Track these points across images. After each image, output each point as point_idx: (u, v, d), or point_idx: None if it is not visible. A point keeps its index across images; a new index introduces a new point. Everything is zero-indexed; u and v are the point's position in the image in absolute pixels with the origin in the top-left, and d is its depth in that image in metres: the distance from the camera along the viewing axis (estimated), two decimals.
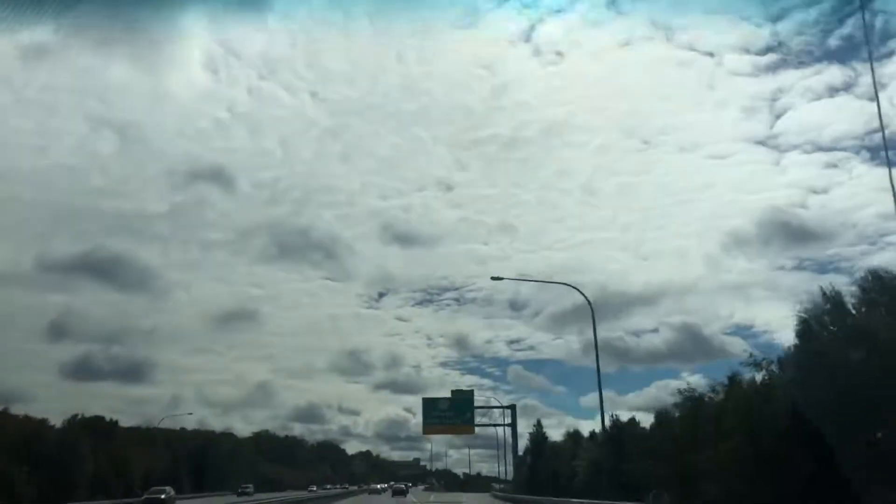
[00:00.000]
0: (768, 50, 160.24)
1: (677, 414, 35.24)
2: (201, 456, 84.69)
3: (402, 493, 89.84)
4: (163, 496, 50.03)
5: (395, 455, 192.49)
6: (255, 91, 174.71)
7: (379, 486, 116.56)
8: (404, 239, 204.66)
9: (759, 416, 25.34)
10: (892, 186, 17.98)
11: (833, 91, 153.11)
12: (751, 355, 28.50)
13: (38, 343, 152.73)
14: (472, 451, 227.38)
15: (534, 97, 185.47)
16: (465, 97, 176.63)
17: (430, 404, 66.49)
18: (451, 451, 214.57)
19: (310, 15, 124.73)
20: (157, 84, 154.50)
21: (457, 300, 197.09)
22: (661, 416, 39.97)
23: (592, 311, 36.05)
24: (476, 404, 67.72)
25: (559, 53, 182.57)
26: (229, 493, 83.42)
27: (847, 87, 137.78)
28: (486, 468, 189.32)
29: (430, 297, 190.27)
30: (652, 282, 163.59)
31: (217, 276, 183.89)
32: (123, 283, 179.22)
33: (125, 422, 75.97)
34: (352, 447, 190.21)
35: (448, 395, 67.82)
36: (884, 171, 33.13)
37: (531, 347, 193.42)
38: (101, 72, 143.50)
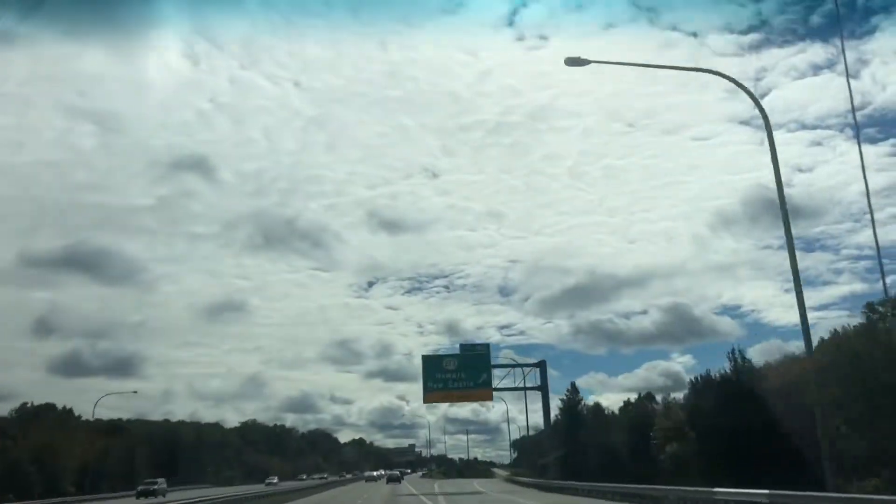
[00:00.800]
0: (751, 29, 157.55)
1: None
2: (179, 447, 79.60)
3: (397, 480, 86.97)
4: (154, 487, 52.68)
5: (390, 443, 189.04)
6: (237, 81, 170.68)
7: (375, 474, 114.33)
8: (392, 227, 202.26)
9: None
10: (863, 165, 18.74)
11: (816, 69, 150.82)
12: None
13: (25, 340, 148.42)
14: (465, 437, 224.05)
15: (519, 82, 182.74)
16: (450, 83, 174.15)
17: (432, 364, 52.48)
18: (444, 438, 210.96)
19: (290, 2, 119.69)
20: (136, 73, 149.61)
21: (446, 287, 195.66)
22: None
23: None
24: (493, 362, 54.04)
25: (543, 37, 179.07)
26: (209, 485, 78.02)
27: (830, 65, 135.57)
28: (481, 453, 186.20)
29: (419, 284, 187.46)
30: (640, 264, 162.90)
31: (204, 268, 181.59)
32: (110, 277, 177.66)
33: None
34: (345, 436, 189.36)
35: (456, 351, 54.43)
36: (868, 148, 28.05)
37: (521, 332, 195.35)
38: (75, 61, 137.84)
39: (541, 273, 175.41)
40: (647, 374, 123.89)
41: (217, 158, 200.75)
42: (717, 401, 33.31)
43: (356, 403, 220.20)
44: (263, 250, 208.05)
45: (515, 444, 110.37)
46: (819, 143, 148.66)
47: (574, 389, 60.20)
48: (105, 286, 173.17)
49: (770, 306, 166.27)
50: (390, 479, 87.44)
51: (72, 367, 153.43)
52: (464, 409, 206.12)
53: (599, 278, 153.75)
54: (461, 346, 55.13)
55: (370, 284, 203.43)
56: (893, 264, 54.93)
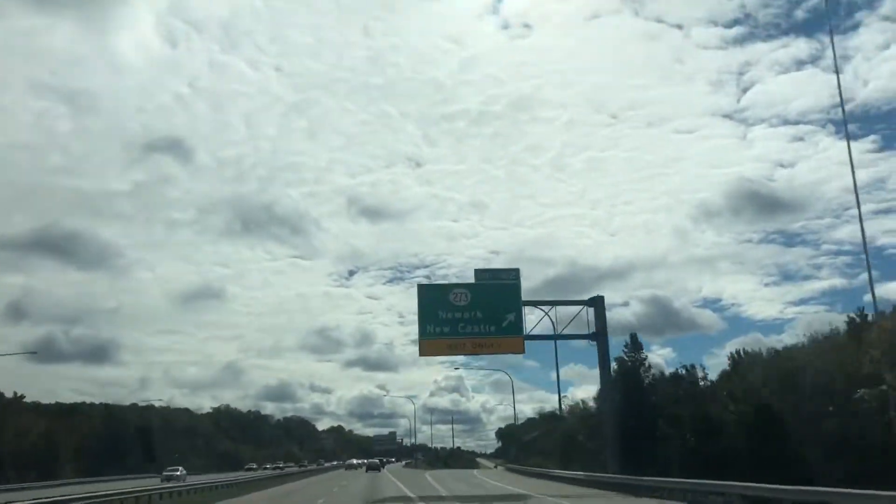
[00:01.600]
0: (736, 22, 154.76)
1: None
2: (141, 432, 74.41)
3: (377, 468, 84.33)
4: (177, 473, 55.37)
5: (370, 432, 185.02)
6: (216, 65, 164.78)
7: (355, 462, 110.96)
8: (373, 216, 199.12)
9: None
10: (851, 162, 20.13)
11: (800, 64, 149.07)
12: None
13: None
14: (444, 427, 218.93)
15: (502, 71, 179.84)
16: (433, 71, 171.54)
17: (433, 298, 35.88)
18: (429, 426, 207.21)
19: None
20: (110, 53, 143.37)
21: (428, 277, 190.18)
22: None
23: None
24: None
25: (527, 26, 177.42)
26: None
27: (813, 60, 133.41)
28: (460, 442, 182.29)
29: (400, 274, 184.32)
30: (621, 256, 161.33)
31: (182, 254, 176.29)
32: (84, 262, 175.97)
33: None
34: (324, 424, 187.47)
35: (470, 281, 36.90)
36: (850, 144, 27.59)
37: None
38: (45, 35, 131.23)
39: (522, 264, 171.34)
40: None
41: (195, 143, 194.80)
42: None
43: (335, 392, 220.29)
44: (242, 237, 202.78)
45: (500, 434, 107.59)
46: (801, 139, 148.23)
47: (635, 343, 42.36)
48: (79, 271, 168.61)
49: (750, 300, 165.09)
50: (370, 468, 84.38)
51: (46, 353, 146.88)
52: (443, 399, 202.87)
53: (580, 270, 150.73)
54: (476, 272, 37.12)
55: (351, 273, 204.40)
56: (874, 260, 51.56)
